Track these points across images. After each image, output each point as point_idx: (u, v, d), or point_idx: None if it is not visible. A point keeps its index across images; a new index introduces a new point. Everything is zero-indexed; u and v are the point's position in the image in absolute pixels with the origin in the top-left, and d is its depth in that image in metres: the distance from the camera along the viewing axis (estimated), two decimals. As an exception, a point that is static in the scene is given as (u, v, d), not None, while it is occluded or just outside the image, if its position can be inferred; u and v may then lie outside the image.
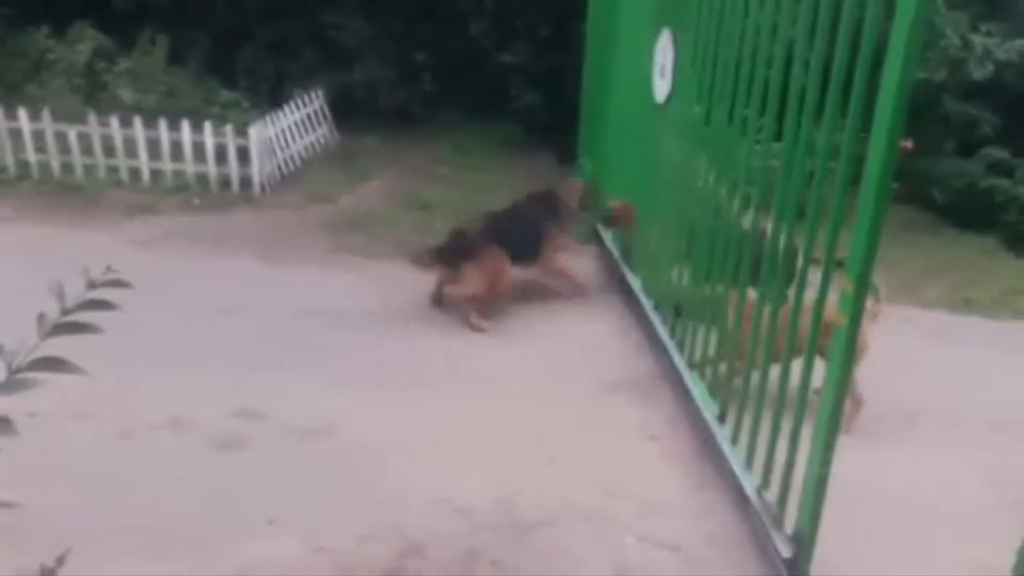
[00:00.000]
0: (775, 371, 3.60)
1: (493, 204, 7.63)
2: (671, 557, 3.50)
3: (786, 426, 3.39)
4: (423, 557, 3.37)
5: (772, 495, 3.47)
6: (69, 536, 3.26)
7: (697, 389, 4.43)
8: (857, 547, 3.57)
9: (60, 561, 1.79)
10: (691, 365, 4.61)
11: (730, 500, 3.84)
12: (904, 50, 2.61)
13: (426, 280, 5.65)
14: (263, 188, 7.76)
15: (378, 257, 6.49)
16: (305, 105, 8.85)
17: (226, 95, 8.99)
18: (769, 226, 3.64)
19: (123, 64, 8.99)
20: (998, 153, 8.50)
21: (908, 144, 7.05)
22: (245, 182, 7.73)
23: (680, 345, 4.79)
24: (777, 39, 3.63)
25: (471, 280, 5.45)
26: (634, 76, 5.73)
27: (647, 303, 5.45)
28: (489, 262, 5.49)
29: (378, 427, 4.26)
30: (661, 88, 5.11)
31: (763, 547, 3.46)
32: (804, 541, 3.17)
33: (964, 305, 6.45)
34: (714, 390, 4.28)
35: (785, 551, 3.26)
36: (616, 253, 6.32)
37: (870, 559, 3.51)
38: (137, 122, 7.69)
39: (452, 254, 5.52)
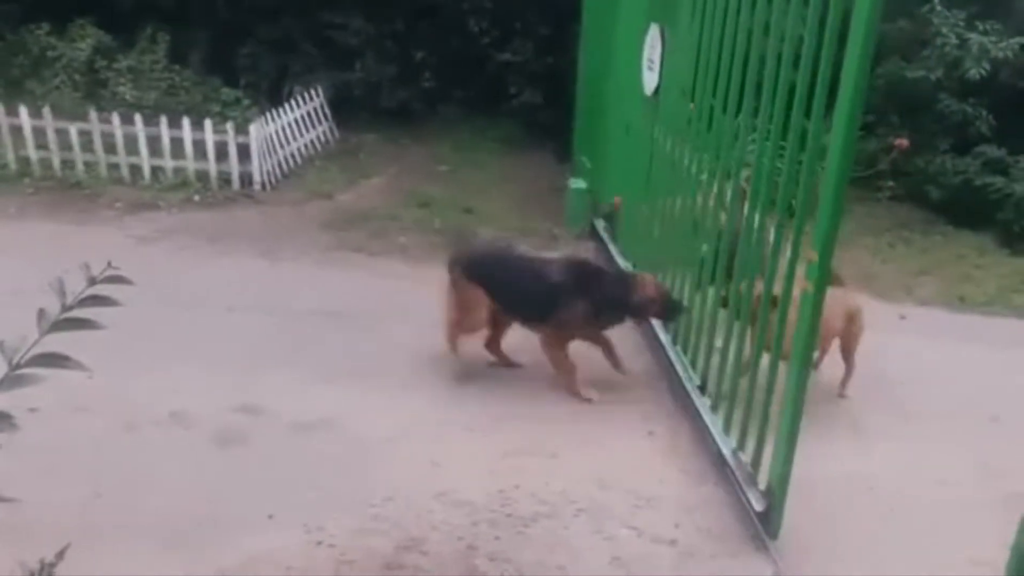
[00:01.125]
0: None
1: (493, 203, 7.73)
2: (667, 550, 3.54)
3: (760, 394, 3.69)
4: (422, 550, 3.42)
5: (747, 456, 3.76)
6: (70, 531, 3.32)
7: (679, 362, 4.75)
8: (851, 540, 3.62)
9: (60, 556, 1.81)
10: (674, 340, 4.93)
11: (726, 494, 3.89)
12: (864, 28, 2.87)
13: (426, 277, 5.67)
14: (263, 185, 7.81)
15: (378, 254, 6.54)
16: (305, 103, 8.89)
17: (227, 92, 9.05)
18: (746, 207, 3.95)
19: (124, 61, 9.05)
20: (993, 151, 8.52)
21: (903, 142, 7.09)
22: (246, 179, 7.77)
23: (665, 326, 5.08)
24: (753, 37, 3.89)
25: (446, 304, 4.82)
26: (628, 72, 5.91)
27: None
28: (452, 292, 4.77)
29: (378, 422, 4.31)
30: (650, 81, 5.38)
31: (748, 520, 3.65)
32: (775, 496, 3.43)
33: (959, 302, 6.49)
34: (695, 362, 4.57)
35: (758, 505, 3.56)
36: (611, 245, 6.38)
37: (864, 551, 3.56)
38: (138, 119, 7.73)
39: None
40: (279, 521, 3.54)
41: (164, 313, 5.14)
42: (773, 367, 3.60)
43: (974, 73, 8.24)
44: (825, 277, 3.17)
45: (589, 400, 4.64)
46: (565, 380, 4.72)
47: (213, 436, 4.12)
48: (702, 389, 4.46)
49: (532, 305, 4.69)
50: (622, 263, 6.08)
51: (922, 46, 8.63)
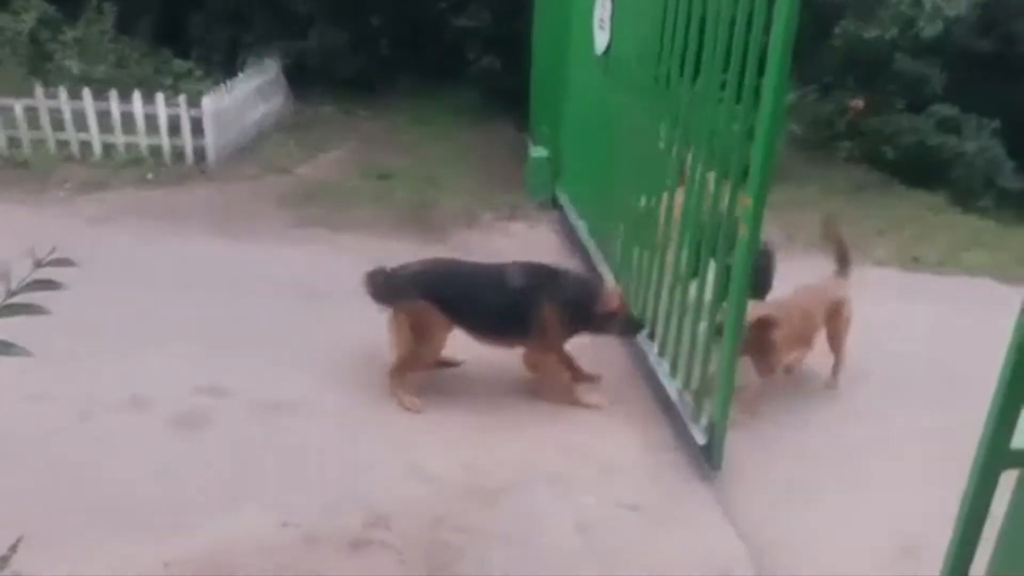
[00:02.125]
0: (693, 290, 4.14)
1: (454, 173, 7.65)
2: (631, 515, 3.61)
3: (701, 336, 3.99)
4: (389, 526, 3.45)
5: (690, 395, 4.07)
6: (28, 520, 3.29)
7: None
8: (809, 500, 3.72)
9: (13, 549, 1.80)
10: (626, 293, 4.97)
11: (686, 458, 3.97)
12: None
13: (388, 252, 5.63)
14: (219, 160, 7.66)
15: (339, 229, 6.46)
16: (260, 74, 8.70)
17: (178, 64, 8.81)
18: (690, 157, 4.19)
19: (69, 34, 8.75)
20: (946, 110, 8.65)
21: (859, 103, 7.17)
22: (200, 154, 7.61)
23: (618, 279, 5.24)
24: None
25: (393, 338, 4.31)
26: (581, 33, 5.99)
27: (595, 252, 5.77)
28: (405, 319, 4.24)
29: (343, 399, 4.31)
30: (601, 40, 5.50)
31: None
32: (716, 430, 3.73)
33: (913, 263, 6.62)
34: (643, 312, 4.76)
35: (700, 439, 3.88)
36: (573, 218, 6.40)
37: (823, 510, 3.66)
38: (86, 94, 7.51)
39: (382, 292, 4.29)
40: (244, 503, 3.54)
41: (119, 295, 5.05)
42: (712, 313, 3.89)
43: (928, 32, 8.32)
44: (759, 223, 3.38)
45: (599, 406, 4.38)
46: (562, 390, 4.41)
47: (174, 419, 4.09)
48: (651, 337, 4.66)
49: (506, 320, 4.28)
50: (582, 225, 6.16)
51: (877, 6, 8.67)
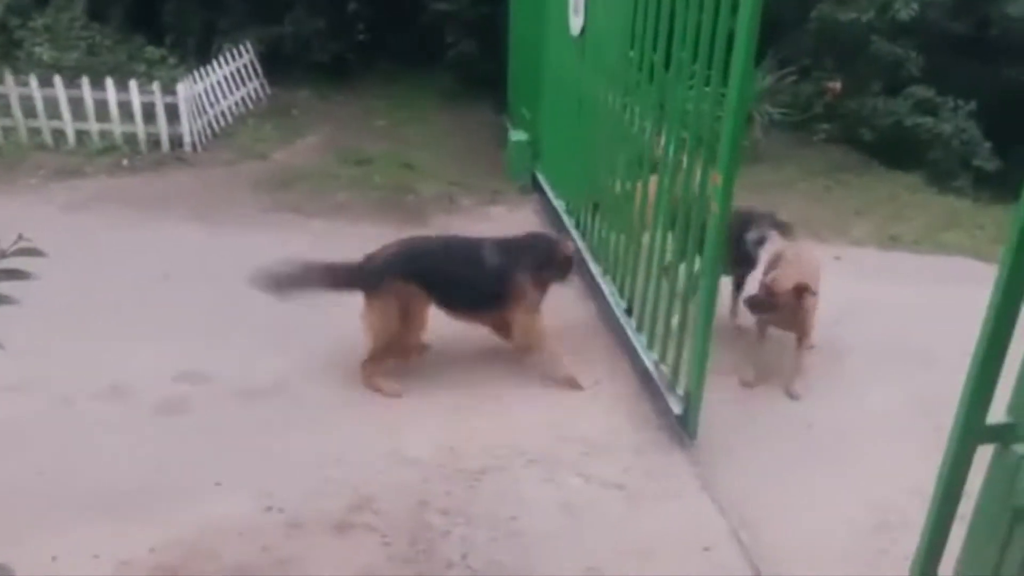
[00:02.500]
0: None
1: (433, 158, 7.60)
2: (615, 494, 3.63)
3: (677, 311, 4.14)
4: (373, 509, 3.44)
5: (667, 367, 4.15)
6: (14, 510, 3.27)
7: (608, 290, 5.07)
8: (789, 476, 3.75)
9: None
10: (604, 272, 5.22)
11: (669, 436, 3.99)
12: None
13: (366, 237, 5.60)
14: (194, 147, 7.57)
15: (316, 215, 6.41)
16: (235, 59, 8.60)
17: (152, 51, 8.68)
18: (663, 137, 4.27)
19: (39, 20, 8.60)
20: (923, 92, 8.71)
21: (836, 85, 7.20)
22: (175, 141, 7.52)
23: (596, 259, 5.37)
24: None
25: (367, 327, 4.26)
26: (558, 16, 6.03)
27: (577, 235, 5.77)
28: (389, 302, 4.18)
29: (325, 384, 4.28)
30: (576, 24, 5.62)
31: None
32: (692, 399, 3.85)
33: (891, 242, 6.67)
34: (622, 290, 4.91)
35: (677, 409, 3.98)
36: (555, 201, 6.39)
37: (802, 486, 3.70)
38: (58, 81, 7.39)
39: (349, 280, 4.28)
40: (227, 488, 3.52)
41: (96, 284, 4.99)
42: (688, 289, 4.05)
43: (904, 14, 8.36)
44: (729, 199, 3.47)
45: (582, 387, 4.35)
46: (553, 359, 4.39)
47: (156, 406, 4.06)
48: (628, 312, 4.77)
49: (487, 292, 4.30)
50: (560, 205, 6.25)
51: (853, -12, 8.70)
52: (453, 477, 3.67)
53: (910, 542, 2.15)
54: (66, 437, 3.81)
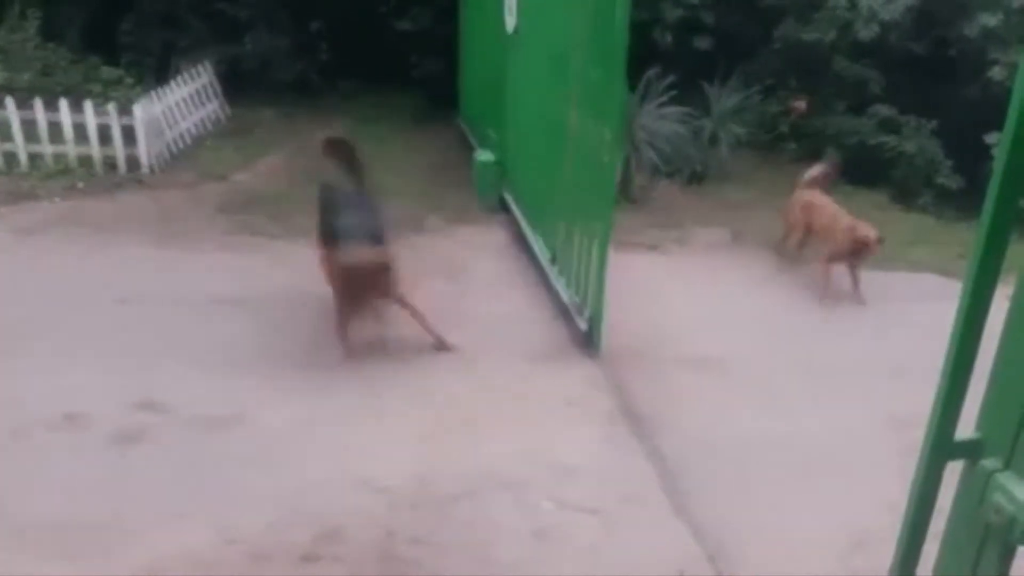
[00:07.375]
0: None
1: (399, 179, 7.51)
2: (589, 520, 3.52)
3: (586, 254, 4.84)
4: (340, 540, 3.30)
5: (578, 298, 5.04)
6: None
7: (537, 244, 5.90)
8: (760, 495, 3.68)
9: None
10: (534, 231, 6.01)
11: (643, 457, 3.90)
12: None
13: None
14: (152, 169, 7.37)
15: (278, 237, 6.24)
16: (193, 80, 8.43)
17: (108, 71, 8.46)
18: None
19: (-9, 41, 8.37)
20: (886, 111, 8.80)
21: (801, 104, 7.23)
22: (132, 163, 7.32)
23: (532, 227, 6.09)
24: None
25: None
26: (497, 21, 6.71)
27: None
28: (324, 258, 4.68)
29: (290, 412, 4.13)
30: (510, 23, 6.40)
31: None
32: (594, 318, 4.80)
33: (859, 259, 6.67)
34: (548, 241, 5.73)
35: (583, 326, 4.89)
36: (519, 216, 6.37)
37: (773, 504, 3.63)
38: (10, 102, 7.17)
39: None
40: (187, 520, 3.36)
41: (52, 309, 4.81)
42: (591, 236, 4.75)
43: (864, 35, 8.46)
44: (617, 153, 4.68)
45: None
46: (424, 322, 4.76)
47: (112, 436, 3.88)
48: (552, 260, 5.56)
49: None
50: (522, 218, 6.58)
51: (815, 9, 8.80)
52: (423, 505, 3.55)
53: (885, 560, 2.08)
54: (17, 468, 3.62)
